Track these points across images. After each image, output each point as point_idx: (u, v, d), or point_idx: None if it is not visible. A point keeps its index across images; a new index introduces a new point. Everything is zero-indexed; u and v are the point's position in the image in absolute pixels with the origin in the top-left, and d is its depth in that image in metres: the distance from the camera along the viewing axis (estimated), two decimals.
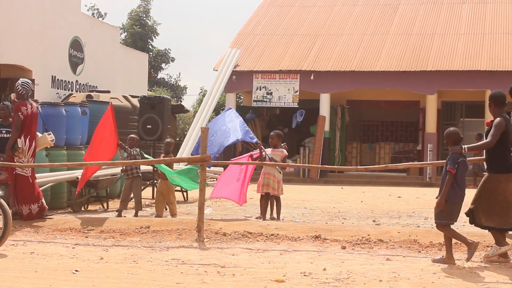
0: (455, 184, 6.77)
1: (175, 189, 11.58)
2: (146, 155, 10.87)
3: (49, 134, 10.00)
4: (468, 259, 6.71)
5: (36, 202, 9.57)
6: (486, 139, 6.92)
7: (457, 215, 6.82)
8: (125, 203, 10.78)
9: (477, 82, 21.96)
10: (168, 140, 11.28)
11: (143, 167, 11.63)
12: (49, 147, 10.36)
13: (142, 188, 11.70)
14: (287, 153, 10.34)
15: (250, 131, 10.33)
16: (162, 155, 10.90)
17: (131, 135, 11.25)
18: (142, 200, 11.43)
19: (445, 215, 6.76)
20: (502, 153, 6.89)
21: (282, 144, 10.36)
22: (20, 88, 9.62)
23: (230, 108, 11.11)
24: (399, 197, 14.04)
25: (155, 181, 12.51)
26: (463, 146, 6.87)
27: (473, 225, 7.09)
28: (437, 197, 6.84)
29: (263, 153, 9.98)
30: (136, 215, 10.56)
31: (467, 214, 7.04)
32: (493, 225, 6.90)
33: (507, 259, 6.82)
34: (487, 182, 6.97)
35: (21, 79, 9.99)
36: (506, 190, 6.83)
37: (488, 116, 21.88)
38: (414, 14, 25.24)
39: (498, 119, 6.88)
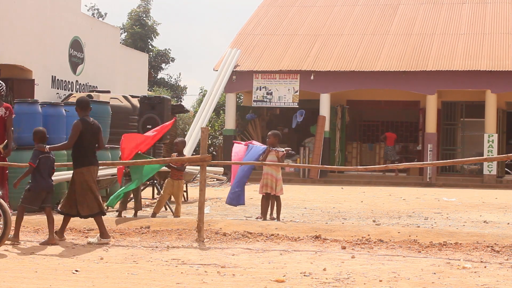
0: (38, 176, 8.03)
1: None
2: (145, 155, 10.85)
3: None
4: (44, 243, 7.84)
5: None
6: None
7: (39, 202, 8.09)
8: (124, 204, 10.77)
9: (477, 82, 21.97)
10: (179, 140, 11.12)
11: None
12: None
13: (142, 188, 11.69)
14: (284, 152, 10.32)
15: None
16: (175, 154, 10.83)
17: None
18: (142, 200, 11.43)
19: (28, 200, 8.07)
20: (81, 151, 8.11)
21: (286, 149, 10.41)
22: None
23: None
24: (403, 199, 14.03)
25: (155, 181, 12.50)
26: (46, 146, 8.15)
27: (77, 217, 8.18)
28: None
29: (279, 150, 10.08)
30: (135, 215, 10.56)
31: (60, 208, 8.30)
32: (89, 213, 8.09)
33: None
34: (73, 176, 8.19)
35: None
36: (87, 180, 8.06)
37: (488, 117, 21.96)
38: (414, 14, 25.24)
39: (75, 121, 8.17)
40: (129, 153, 9.90)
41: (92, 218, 8.17)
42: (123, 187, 10.15)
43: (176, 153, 10.78)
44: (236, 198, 9.89)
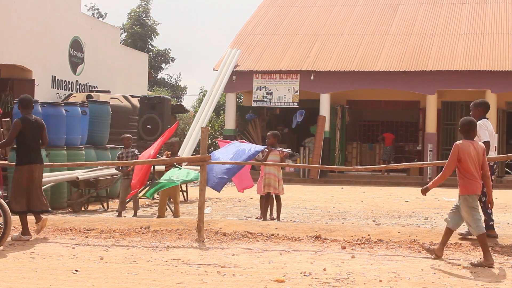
0: None
1: None
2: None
3: None
4: None
5: None
6: None
7: None
8: (123, 204, 10.78)
9: (477, 82, 21.96)
10: (173, 139, 11.18)
11: None
12: None
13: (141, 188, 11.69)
14: (287, 153, 10.35)
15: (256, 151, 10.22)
16: (169, 153, 10.84)
17: (126, 135, 11.17)
18: (142, 200, 11.43)
19: None
20: (22, 149, 8.26)
21: (286, 150, 10.43)
22: None
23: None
24: (406, 201, 14.03)
25: (155, 181, 12.49)
26: None
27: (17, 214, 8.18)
28: None
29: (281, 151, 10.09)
30: (135, 215, 10.56)
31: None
32: (20, 209, 8.17)
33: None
34: (14, 173, 8.33)
35: None
36: (22, 178, 8.18)
37: (488, 116, 21.91)
38: (414, 14, 25.24)
39: (15, 119, 8.34)
40: (140, 181, 10.07)
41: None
42: (163, 182, 10.21)
43: (170, 153, 10.80)
44: (221, 185, 9.66)
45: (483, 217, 7.33)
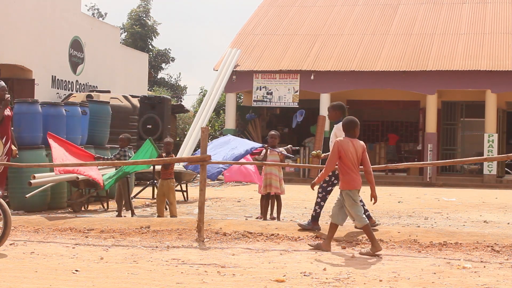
0: None
1: (175, 189, 11.57)
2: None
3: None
4: None
5: None
6: None
7: None
8: (120, 204, 10.80)
9: (477, 82, 21.97)
10: (168, 139, 11.23)
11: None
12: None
13: (142, 188, 11.71)
14: (285, 153, 10.35)
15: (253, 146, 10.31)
16: (164, 154, 10.86)
17: (121, 136, 11.24)
18: (142, 200, 11.43)
19: None
20: None
21: (287, 147, 10.44)
22: None
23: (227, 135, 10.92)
24: (399, 202, 14.03)
25: (155, 181, 12.50)
26: None
27: None
28: None
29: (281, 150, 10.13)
30: (132, 215, 10.57)
31: None
32: None
33: None
34: None
35: None
36: None
37: (488, 116, 21.96)
38: (414, 14, 25.25)
39: None
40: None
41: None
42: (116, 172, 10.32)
43: (164, 153, 10.80)
44: (216, 174, 9.79)
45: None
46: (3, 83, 10.22)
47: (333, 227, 7.49)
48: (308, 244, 7.72)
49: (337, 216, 7.43)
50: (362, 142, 7.48)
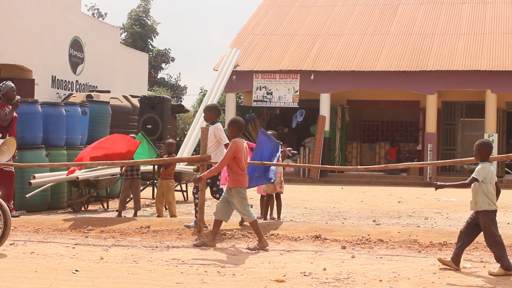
0: None
1: (175, 189, 11.58)
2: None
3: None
4: None
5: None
6: None
7: None
8: (123, 204, 10.78)
9: (477, 82, 21.97)
10: (170, 140, 11.21)
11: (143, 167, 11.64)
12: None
13: (142, 188, 11.70)
14: (289, 153, 10.38)
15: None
16: (165, 155, 10.84)
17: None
18: (142, 200, 11.42)
19: None
20: None
21: (288, 149, 10.43)
22: None
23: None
24: (399, 202, 14.03)
25: (155, 181, 12.50)
26: None
27: None
28: None
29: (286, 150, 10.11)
30: (135, 215, 10.56)
31: None
32: None
33: None
34: None
35: None
36: None
37: (488, 116, 21.96)
38: (414, 14, 25.25)
39: None
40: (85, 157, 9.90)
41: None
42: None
43: (166, 155, 10.79)
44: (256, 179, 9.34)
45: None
46: (12, 84, 10.22)
47: (218, 223, 7.73)
48: (193, 244, 7.78)
49: (221, 212, 7.67)
50: (245, 143, 7.79)
